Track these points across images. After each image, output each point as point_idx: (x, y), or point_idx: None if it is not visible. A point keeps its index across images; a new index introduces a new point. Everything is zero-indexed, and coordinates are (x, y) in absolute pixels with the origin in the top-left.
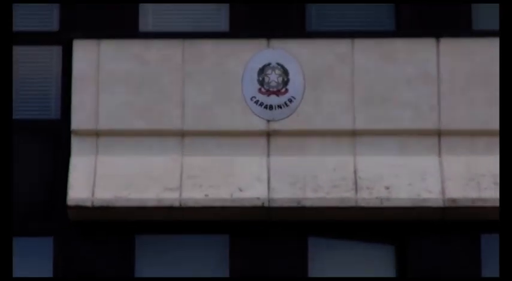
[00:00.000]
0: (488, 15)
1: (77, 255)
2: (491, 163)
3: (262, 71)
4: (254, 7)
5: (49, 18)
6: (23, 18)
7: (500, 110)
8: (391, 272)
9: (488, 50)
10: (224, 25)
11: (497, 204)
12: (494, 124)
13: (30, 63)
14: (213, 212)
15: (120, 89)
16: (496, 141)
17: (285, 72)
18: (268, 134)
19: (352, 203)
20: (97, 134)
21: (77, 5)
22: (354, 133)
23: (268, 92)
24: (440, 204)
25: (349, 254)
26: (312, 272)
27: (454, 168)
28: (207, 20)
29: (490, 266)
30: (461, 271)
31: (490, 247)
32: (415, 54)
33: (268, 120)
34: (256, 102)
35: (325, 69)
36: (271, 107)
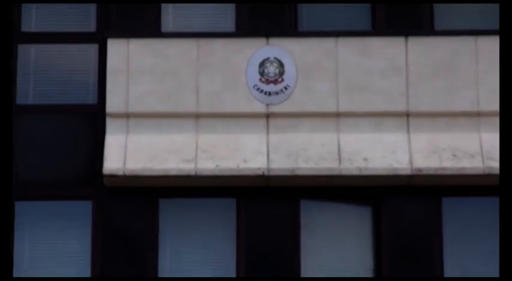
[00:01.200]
0: (447, 17)
1: (111, 216)
2: (449, 139)
3: (262, 64)
4: (255, 12)
5: (87, 22)
6: (67, 22)
7: (500, 107)
8: (368, 229)
9: (447, 46)
10: (231, 26)
11: (455, 172)
12: (453, 107)
13: (73, 59)
14: (222, 180)
15: (146, 79)
16: (453, 121)
17: (281, 65)
18: (267, 116)
19: (336, 172)
20: (127, 116)
21: (110, 10)
22: (337, 115)
23: (267, 81)
24: (408, 172)
25: (334, 213)
26: (304, 229)
27: (420, 143)
28: (217, 22)
29: (450, 222)
30: (425, 227)
31: (449, 208)
32: (387, 50)
33: (267, 105)
34: (258, 89)
35: (314, 62)
36: (269, 94)
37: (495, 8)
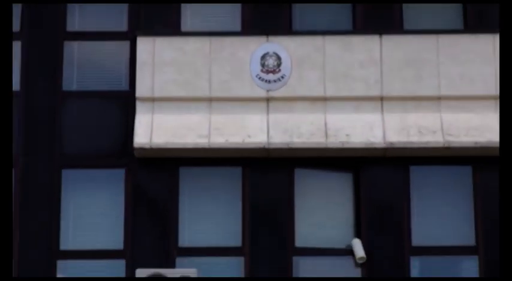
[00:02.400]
0: (414, 18)
1: (140, 181)
2: (416, 118)
3: (263, 57)
4: (257, 14)
5: (120, 23)
6: (104, 23)
7: (500, 103)
8: (350, 192)
9: (415, 42)
10: (237, 26)
11: (420, 146)
12: (419, 92)
13: (109, 53)
14: (230, 152)
15: (168, 70)
16: (419, 103)
17: (279, 58)
18: (267, 100)
19: (323, 146)
20: (153, 100)
21: (139, 13)
22: (325, 99)
23: (267, 72)
24: (382, 146)
25: (322, 179)
26: (297, 192)
27: (392, 122)
28: (226, 22)
29: (416, 186)
30: (396, 190)
31: (415, 174)
32: (365, 46)
33: (267, 90)
34: (259, 78)
35: (305, 56)
36: (269, 82)
37: (454, 10)
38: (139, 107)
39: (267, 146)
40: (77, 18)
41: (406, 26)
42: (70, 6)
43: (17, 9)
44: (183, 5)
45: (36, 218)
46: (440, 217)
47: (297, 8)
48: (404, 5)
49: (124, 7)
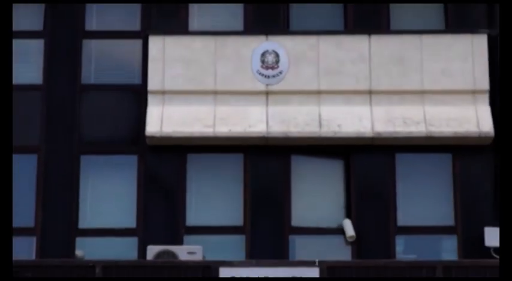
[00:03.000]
0: (400, 19)
1: (150, 166)
2: (401, 110)
3: (263, 55)
4: (258, 15)
5: (134, 23)
6: (119, 23)
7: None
8: (341, 176)
9: (400, 41)
10: (240, 26)
11: (405, 135)
12: (404, 87)
13: (124, 50)
14: (233, 140)
15: (177, 65)
16: (404, 97)
17: (277, 55)
18: (267, 93)
19: (317, 135)
20: (163, 93)
21: (150, 14)
22: (319, 92)
23: (267, 68)
24: (370, 135)
25: (316, 165)
26: (293, 177)
27: (379, 113)
28: (229, 23)
29: (401, 171)
30: (383, 174)
31: (400, 160)
32: (356, 45)
33: (267, 85)
34: (259, 73)
35: (301, 54)
36: (268, 77)
37: (436, 12)
38: (151, 99)
39: (266, 135)
40: (95, 19)
41: (393, 27)
42: (88, 7)
43: (40, 10)
44: (190, 6)
45: (57, 200)
46: (423, 200)
47: (294, 10)
48: (391, 8)
49: (137, 9)
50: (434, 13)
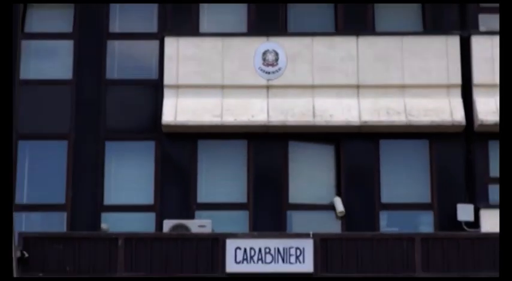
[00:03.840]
0: (383, 22)
1: (166, 151)
2: (385, 102)
3: (264, 53)
4: (260, 19)
5: (151, 25)
6: (138, 25)
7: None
8: (332, 161)
9: (384, 42)
10: (244, 29)
11: (388, 124)
12: (387, 81)
13: (143, 49)
14: (238, 128)
15: (189, 63)
16: (387, 90)
17: (277, 54)
18: (268, 87)
19: (311, 124)
20: (177, 87)
21: (166, 17)
22: (313, 86)
23: (267, 65)
24: (358, 124)
25: (310, 150)
26: (291, 160)
27: (366, 105)
28: (234, 25)
29: (385, 155)
30: (369, 159)
31: (384, 146)
32: (345, 44)
33: (268, 80)
34: (261, 70)
35: (297, 52)
36: (269, 73)
37: (415, 16)
38: (167, 92)
39: (267, 124)
40: (117, 22)
41: (377, 29)
42: (112, 12)
43: (70, 15)
44: (201, 12)
45: (85, 180)
46: (404, 180)
47: (291, 14)
48: (376, 12)
49: (154, 13)
50: (413, 17)
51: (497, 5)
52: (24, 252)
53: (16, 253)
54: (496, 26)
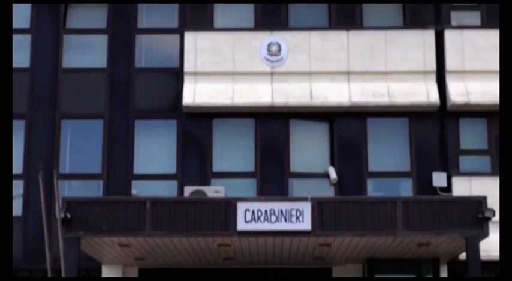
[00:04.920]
0: (370, 18)
1: (186, 128)
2: (371, 86)
3: (269, 45)
4: (265, 16)
5: (173, 21)
6: (162, 21)
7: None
8: (326, 136)
9: (370, 35)
10: (251, 24)
11: (374, 104)
12: (374, 69)
13: (167, 43)
14: (247, 109)
15: (205, 54)
16: (373, 76)
17: (279, 46)
18: (272, 74)
19: (309, 104)
20: (195, 74)
21: (186, 14)
22: (310, 73)
23: (271, 55)
24: (348, 104)
25: (308, 127)
26: (291, 136)
27: (355, 88)
28: (243, 21)
29: (372, 132)
30: (358, 135)
31: (371, 124)
32: (337, 37)
33: (272, 68)
34: (266, 59)
35: (297, 45)
36: (272, 62)
37: (397, 13)
38: (186, 78)
39: (271, 105)
40: (144, 19)
41: (365, 24)
42: (140, 10)
43: (104, 13)
44: (215, 10)
45: (118, 153)
46: (387, 152)
47: (291, 12)
48: (364, 10)
49: (175, 12)
50: (395, 14)
51: (467, 3)
52: (67, 214)
53: (60, 215)
54: (465, 21)
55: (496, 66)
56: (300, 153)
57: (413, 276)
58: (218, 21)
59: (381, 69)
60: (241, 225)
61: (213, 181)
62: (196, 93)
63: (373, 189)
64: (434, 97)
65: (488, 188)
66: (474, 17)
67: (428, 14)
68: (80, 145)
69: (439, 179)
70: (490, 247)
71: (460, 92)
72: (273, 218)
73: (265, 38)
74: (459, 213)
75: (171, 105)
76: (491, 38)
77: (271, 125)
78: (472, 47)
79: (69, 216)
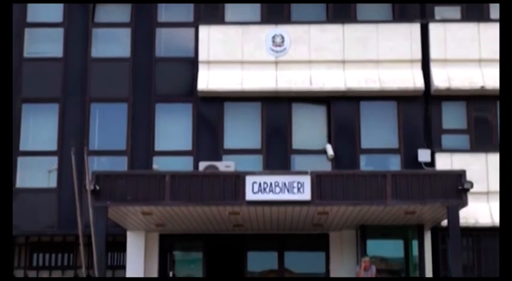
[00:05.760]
0: (363, 12)
1: (201, 111)
2: (364, 73)
3: (273, 37)
4: (270, 11)
5: (189, 16)
6: (180, 16)
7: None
8: (324, 117)
9: (363, 28)
10: (258, 18)
11: (367, 89)
12: (365, 57)
13: (183, 35)
14: (254, 93)
15: (217, 44)
16: (365, 64)
17: (283, 37)
18: (276, 62)
19: (309, 89)
20: (209, 62)
21: (200, 9)
22: (310, 62)
23: (276, 46)
24: (344, 89)
25: (308, 109)
26: (293, 117)
27: (349, 75)
28: (251, 16)
29: (364, 113)
30: (352, 115)
31: (364, 106)
32: (334, 30)
33: (276, 57)
34: (271, 49)
35: (298, 37)
36: (277, 52)
37: (386, 9)
38: (201, 66)
39: (275, 90)
40: (163, 14)
41: (359, 18)
42: (159, 6)
43: (127, 9)
44: (226, 6)
45: (140, 132)
46: (378, 131)
47: (293, 8)
48: (357, 6)
49: (191, 7)
50: (385, 9)
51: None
52: (96, 186)
53: (90, 187)
54: (447, 15)
55: (474, 55)
56: (301, 132)
57: (401, 240)
58: (229, 16)
59: (372, 58)
60: (249, 195)
61: (224, 156)
62: (210, 79)
63: (365, 164)
64: (419, 83)
65: (467, 163)
66: (455, 12)
67: (415, 9)
68: (107, 125)
69: (423, 155)
70: (468, 214)
71: (442, 78)
72: (277, 189)
73: (270, 30)
74: (441, 185)
75: (187, 90)
76: (470, 30)
77: (276, 107)
78: (453, 38)
79: (98, 188)
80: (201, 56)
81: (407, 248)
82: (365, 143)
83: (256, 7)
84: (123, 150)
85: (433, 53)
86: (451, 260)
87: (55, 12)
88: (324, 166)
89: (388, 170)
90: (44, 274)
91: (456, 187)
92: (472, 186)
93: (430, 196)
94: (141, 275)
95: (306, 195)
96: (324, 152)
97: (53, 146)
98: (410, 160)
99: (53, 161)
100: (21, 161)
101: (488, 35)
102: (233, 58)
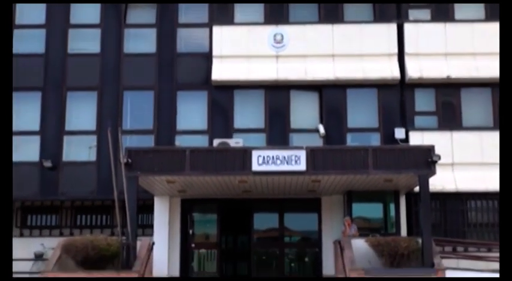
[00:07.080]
0: (352, 13)
1: (215, 97)
2: (355, 66)
3: (274, 35)
4: (271, 14)
5: (204, 18)
6: (196, 16)
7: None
8: (317, 103)
9: (352, 28)
10: (261, 20)
11: (358, 78)
12: (356, 52)
13: (200, 34)
14: (259, 82)
15: (228, 42)
16: (357, 58)
17: (282, 35)
18: (277, 57)
19: (304, 78)
20: (221, 56)
21: (213, 11)
22: (305, 56)
23: (277, 42)
24: (333, 78)
25: (304, 96)
26: (291, 102)
27: (341, 66)
28: (255, 17)
29: (350, 99)
30: (340, 102)
31: (350, 93)
32: (325, 30)
33: (277, 52)
34: (273, 46)
35: (296, 35)
36: (277, 48)
37: (368, 11)
38: (215, 60)
39: (276, 79)
40: (183, 16)
41: (345, 19)
42: (180, 9)
43: (152, 11)
44: (235, 9)
45: (165, 115)
46: (362, 113)
47: (291, 11)
48: (344, 9)
49: (206, 10)
50: (367, 11)
51: (421, 3)
52: (129, 159)
53: (123, 160)
54: (419, 16)
55: (441, 49)
56: (298, 114)
57: (380, 203)
58: (237, 18)
59: (357, 53)
60: (255, 167)
61: (234, 134)
62: (222, 71)
63: (351, 140)
64: (396, 73)
65: (436, 140)
66: (425, 13)
67: (392, 11)
68: (137, 109)
69: (399, 133)
70: (436, 182)
71: (415, 69)
72: (278, 162)
73: (271, 30)
74: (414, 158)
75: (203, 80)
76: (438, 28)
77: (276, 94)
78: (424, 35)
79: (130, 161)
80: (215, 52)
81: (385, 210)
82: (351, 123)
83: (260, 10)
84: (150, 129)
85: (408, 48)
86: (421, 219)
87: (93, 15)
88: (316, 142)
89: (370, 145)
90: (87, 233)
91: (426, 159)
92: (439, 158)
93: (405, 167)
94: (166, 233)
95: (302, 166)
96: (316, 131)
97: (92, 126)
98: (388, 137)
99: (93, 139)
100: (66, 139)
101: (453, 32)
102: (241, 53)
